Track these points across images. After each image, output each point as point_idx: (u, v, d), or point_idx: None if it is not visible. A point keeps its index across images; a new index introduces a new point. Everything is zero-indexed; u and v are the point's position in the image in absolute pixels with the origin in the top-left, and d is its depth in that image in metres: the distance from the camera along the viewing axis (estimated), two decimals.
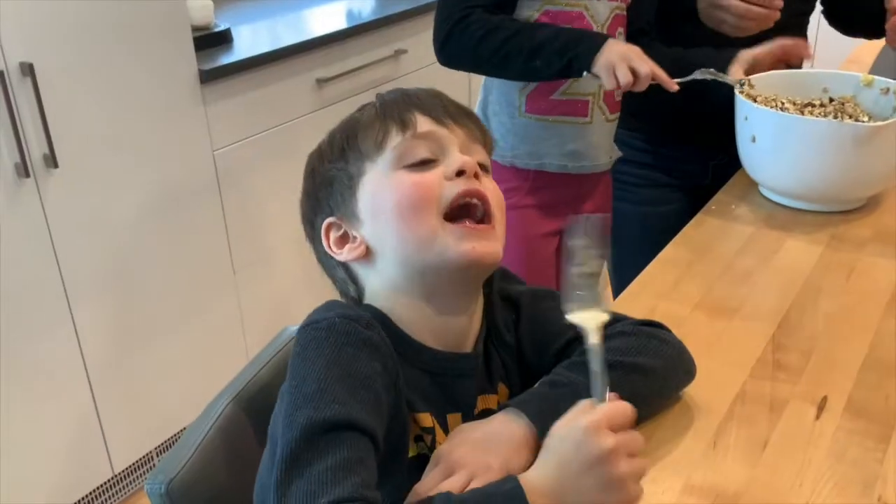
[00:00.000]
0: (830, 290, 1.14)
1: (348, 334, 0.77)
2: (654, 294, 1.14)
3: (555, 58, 1.31)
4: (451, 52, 1.37)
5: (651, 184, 1.60)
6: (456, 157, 0.83)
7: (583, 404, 0.72)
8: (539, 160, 1.46)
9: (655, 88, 1.30)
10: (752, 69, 1.42)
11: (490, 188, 0.85)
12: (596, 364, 0.74)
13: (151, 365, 2.01)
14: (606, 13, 1.39)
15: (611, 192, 1.59)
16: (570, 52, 1.30)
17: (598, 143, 1.48)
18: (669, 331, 0.92)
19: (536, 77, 1.38)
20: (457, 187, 0.82)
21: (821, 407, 0.91)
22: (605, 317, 0.77)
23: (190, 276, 2.07)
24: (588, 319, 0.76)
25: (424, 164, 0.83)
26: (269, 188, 2.23)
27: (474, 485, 0.74)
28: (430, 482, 0.76)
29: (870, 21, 1.53)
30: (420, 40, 2.60)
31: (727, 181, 1.47)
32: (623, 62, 1.27)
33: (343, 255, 0.87)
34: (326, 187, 0.88)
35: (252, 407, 0.93)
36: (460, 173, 0.83)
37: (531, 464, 0.74)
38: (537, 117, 1.44)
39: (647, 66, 1.27)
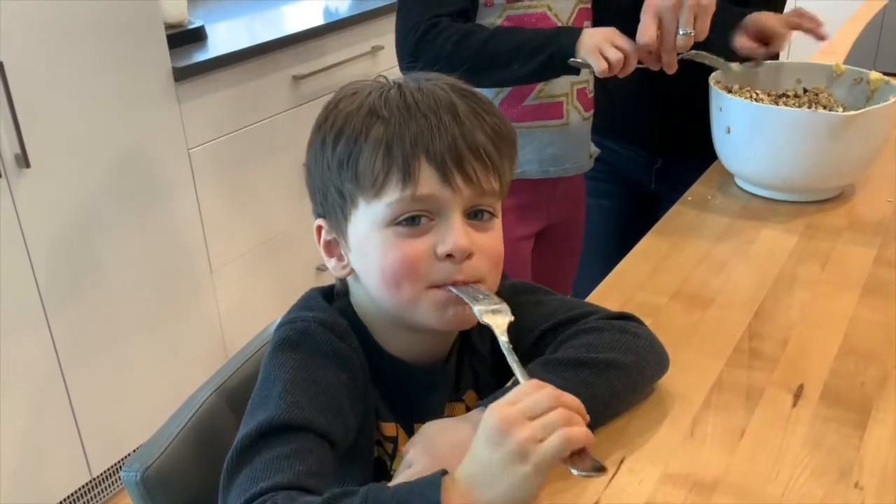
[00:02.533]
0: (806, 278, 1.14)
1: (319, 343, 0.80)
2: (630, 285, 1.13)
3: (534, 56, 1.25)
4: (423, 64, 1.28)
5: (594, 175, 1.58)
6: (450, 234, 0.78)
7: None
8: (520, 168, 1.42)
9: (612, 81, 1.27)
10: (760, 35, 1.36)
11: (486, 247, 0.81)
12: (510, 360, 0.75)
13: (128, 366, 2.00)
14: (570, 9, 1.37)
15: (583, 193, 1.58)
16: (551, 46, 1.25)
17: (577, 144, 1.47)
18: (641, 322, 0.91)
19: (514, 80, 1.34)
20: (444, 272, 0.79)
21: (797, 395, 0.91)
22: (510, 318, 0.79)
23: (167, 276, 2.05)
24: (496, 320, 0.78)
25: (418, 222, 0.79)
26: (246, 186, 2.22)
27: None
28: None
29: None
30: None
31: (671, 187, 1.46)
32: (607, 42, 1.22)
33: (330, 264, 0.86)
34: (321, 187, 0.83)
35: (234, 399, 0.93)
36: (450, 256, 0.78)
37: None
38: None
39: (632, 44, 1.23)
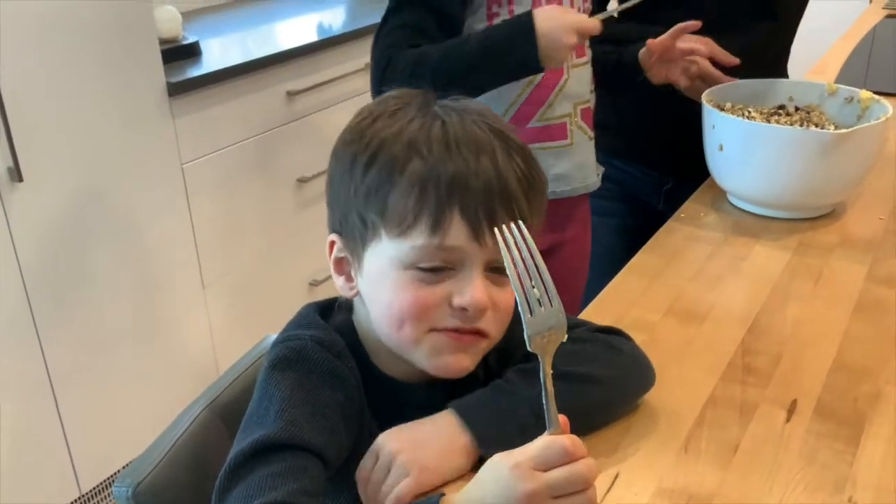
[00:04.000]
0: (798, 295, 1.15)
1: (316, 362, 0.80)
2: (624, 301, 1.14)
3: (497, 70, 1.24)
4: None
5: (601, 194, 1.56)
6: (469, 288, 0.77)
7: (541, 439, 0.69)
8: None
9: (621, 101, 1.27)
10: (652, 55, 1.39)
11: (502, 304, 0.80)
12: (547, 393, 0.69)
13: (119, 382, 1.98)
14: None
15: (589, 212, 1.55)
16: (511, 59, 1.22)
17: (583, 163, 1.44)
18: (628, 338, 0.91)
19: (490, 86, 1.29)
20: (454, 321, 0.78)
21: (790, 410, 0.91)
22: (563, 338, 0.72)
23: (158, 291, 2.04)
24: (546, 345, 0.71)
25: (437, 270, 0.78)
26: (239, 202, 2.22)
27: (407, 482, 0.76)
28: (367, 473, 0.79)
29: None
30: None
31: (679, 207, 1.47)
32: (572, 34, 1.21)
33: (338, 282, 0.86)
34: (343, 207, 0.82)
35: (227, 414, 0.93)
36: (464, 310, 0.78)
37: (465, 469, 0.79)
38: None
39: (592, 22, 1.23)
